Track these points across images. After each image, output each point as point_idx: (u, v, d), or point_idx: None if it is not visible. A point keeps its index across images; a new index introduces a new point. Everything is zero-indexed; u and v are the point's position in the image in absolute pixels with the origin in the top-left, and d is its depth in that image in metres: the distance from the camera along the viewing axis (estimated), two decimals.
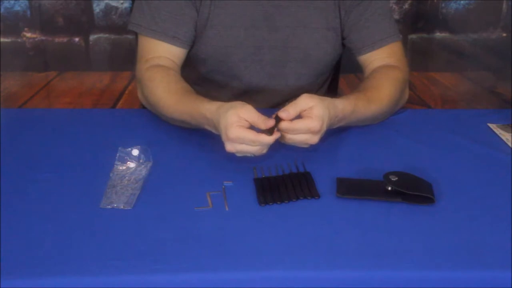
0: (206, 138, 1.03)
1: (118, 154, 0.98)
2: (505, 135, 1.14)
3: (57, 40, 2.50)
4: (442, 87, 2.62)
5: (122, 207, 0.86)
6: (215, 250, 0.77)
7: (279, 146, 1.04)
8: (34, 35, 2.48)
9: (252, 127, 0.92)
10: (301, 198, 0.90)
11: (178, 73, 1.19)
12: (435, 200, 0.89)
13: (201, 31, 1.21)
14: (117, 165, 0.97)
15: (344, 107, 1.01)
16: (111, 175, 0.95)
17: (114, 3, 2.47)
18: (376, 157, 1.04)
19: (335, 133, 1.07)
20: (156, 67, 1.16)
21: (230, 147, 0.92)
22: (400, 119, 1.20)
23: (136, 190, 0.91)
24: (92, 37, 2.52)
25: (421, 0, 2.53)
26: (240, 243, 0.79)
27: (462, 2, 2.55)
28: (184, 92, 1.09)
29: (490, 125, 1.18)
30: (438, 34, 2.61)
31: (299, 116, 0.94)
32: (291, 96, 1.32)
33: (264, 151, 0.94)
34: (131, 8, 1.30)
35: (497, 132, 1.15)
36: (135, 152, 0.98)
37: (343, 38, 1.27)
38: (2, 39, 2.46)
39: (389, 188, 0.90)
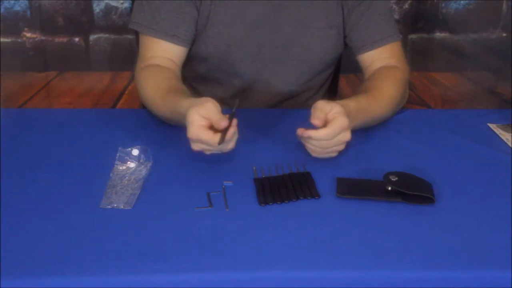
0: None
1: (118, 154, 0.98)
2: (505, 135, 1.14)
3: (57, 40, 2.50)
4: (442, 87, 2.62)
5: (122, 207, 0.86)
6: (215, 250, 0.77)
7: (279, 146, 1.04)
8: (34, 35, 2.48)
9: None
10: (301, 198, 0.90)
11: (177, 72, 1.19)
12: (435, 200, 0.89)
13: (201, 30, 1.21)
14: (117, 165, 0.97)
15: (348, 104, 1.02)
16: (111, 175, 0.95)
17: (114, 3, 2.47)
18: (376, 157, 1.04)
19: None
20: (151, 67, 1.17)
21: (194, 146, 0.92)
22: (400, 119, 1.20)
23: (136, 190, 0.91)
24: (92, 37, 2.52)
25: (421, 0, 2.53)
26: (240, 243, 0.79)
27: (462, 2, 2.55)
28: (169, 89, 1.09)
29: (490, 125, 1.18)
30: (438, 34, 2.61)
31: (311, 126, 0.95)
32: (292, 94, 1.33)
33: (229, 148, 0.93)
34: (131, 8, 1.31)
35: (497, 132, 1.15)
36: (135, 152, 0.98)
37: (344, 37, 1.28)
38: (2, 39, 2.46)
39: (389, 188, 0.90)
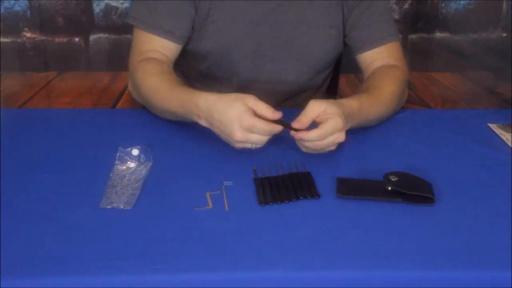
0: (206, 138, 1.03)
1: (118, 154, 0.98)
2: (505, 135, 1.14)
3: (57, 40, 2.50)
4: (442, 87, 2.62)
5: (122, 207, 0.86)
6: (215, 250, 0.77)
7: (279, 146, 1.04)
8: (34, 35, 2.49)
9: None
10: (301, 198, 0.90)
11: (171, 68, 1.19)
12: (435, 200, 0.89)
13: (200, 27, 1.21)
14: (117, 165, 0.97)
15: (350, 103, 1.02)
16: (111, 175, 0.95)
17: (114, 3, 2.47)
18: (376, 157, 1.04)
19: None
20: (149, 60, 1.17)
21: (240, 135, 0.92)
22: (400, 119, 1.20)
23: (136, 190, 0.91)
24: (92, 37, 2.52)
25: (421, 0, 2.54)
26: (240, 243, 0.79)
27: (462, 2, 2.55)
28: (177, 83, 1.10)
29: (490, 125, 1.18)
30: (438, 34, 2.61)
31: (313, 125, 0.95)
32: (291, 93, 1.33)
33: (264, 142, 0.95)
34: None
35: (497, 132, 1.15)
36: (135, 152, 0.98)
37: (344, 36, 1.28)
38: (2, 39, 2.47)
39: (389, 188, 0.90)
